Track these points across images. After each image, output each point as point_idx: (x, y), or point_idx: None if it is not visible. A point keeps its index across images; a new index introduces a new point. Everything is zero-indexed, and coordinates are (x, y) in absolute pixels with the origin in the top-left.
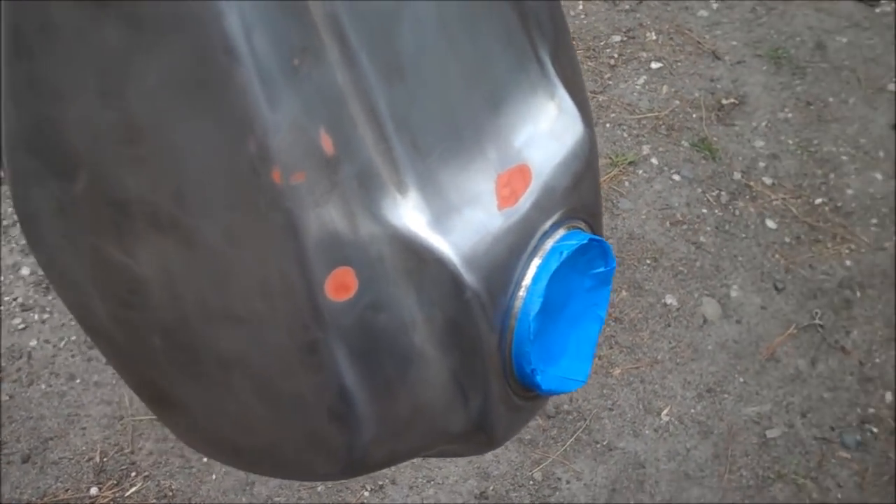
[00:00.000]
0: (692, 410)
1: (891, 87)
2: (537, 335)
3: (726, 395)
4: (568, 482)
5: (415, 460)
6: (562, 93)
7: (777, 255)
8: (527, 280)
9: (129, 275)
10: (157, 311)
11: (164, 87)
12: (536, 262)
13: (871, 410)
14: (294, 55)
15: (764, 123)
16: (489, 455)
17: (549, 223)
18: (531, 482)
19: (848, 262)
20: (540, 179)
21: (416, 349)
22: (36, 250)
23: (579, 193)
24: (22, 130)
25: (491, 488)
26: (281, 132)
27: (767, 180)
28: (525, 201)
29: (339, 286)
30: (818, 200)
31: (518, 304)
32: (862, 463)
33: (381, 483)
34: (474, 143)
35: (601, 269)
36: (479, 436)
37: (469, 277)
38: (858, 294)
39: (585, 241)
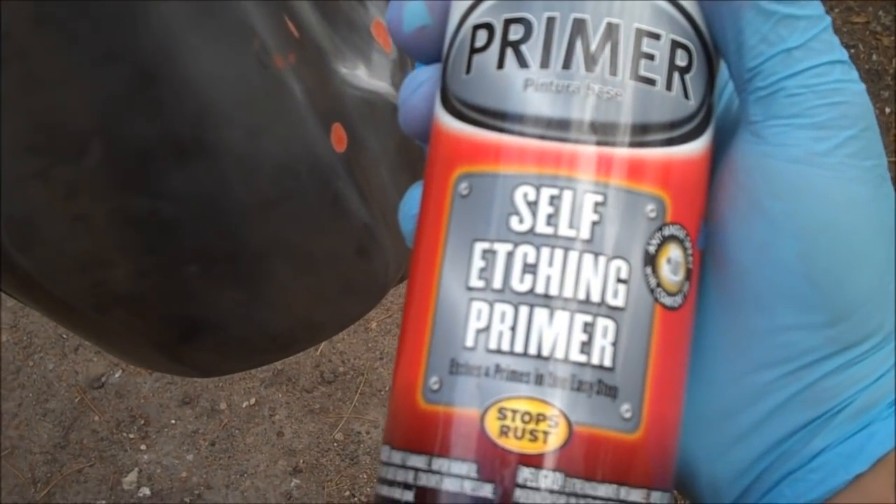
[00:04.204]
0: None
1: None
2: None
3: None
4: (368, 433)
5: (220, 459)
6: None
7: None
8: None
9: (158, 217)
10: (192, 239)
11: (171, 26)
12: None
13: None
14: None
15: None
16: (288, 432)
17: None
18: (335, 444)
19: None
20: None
21: (385, 178)
22: (32, 255)
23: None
24: (17, 135)
25: (301, 461)
26: (269, 27)
27: None
28: (393, 44)
29: (338, 139)
30: None
31: None
32: None
33: (197, 492)
34: (351, 15)
35: None
36: None
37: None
38: None
39: None
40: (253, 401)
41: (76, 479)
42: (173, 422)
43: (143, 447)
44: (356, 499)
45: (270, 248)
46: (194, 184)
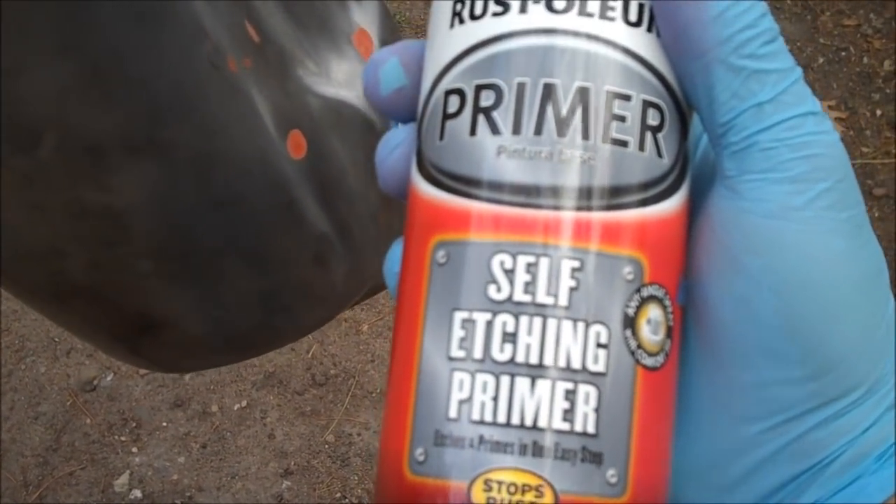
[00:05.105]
0: None
1: None
2: None
3: None
4: (359, 434)
5: (211, 462)
6: None
7: None
8: None
9: (112, 212)
10: (145, 236)
11: (118, 23)
12: None
13: None
14: None
15: None
16: (280, 434)
17: None
18: (326, 446)
19: None
20: (375, 38)
21: (353, 189)
22: None
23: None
24: None
25: (293, 463)
26: (224, 30)
27: None
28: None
29: (296, 146)
30: None
31: None
32: None
33: (188, 494)
34: (329, 21)
35: None
36: None
37: (376, 115)
38: None
39: None
40: (244, 403)
41: (68, 482)
42: (165, 424)
43: (134, 450)
44: (347, 500)
45: (223, 249)
46: (146, 181)
